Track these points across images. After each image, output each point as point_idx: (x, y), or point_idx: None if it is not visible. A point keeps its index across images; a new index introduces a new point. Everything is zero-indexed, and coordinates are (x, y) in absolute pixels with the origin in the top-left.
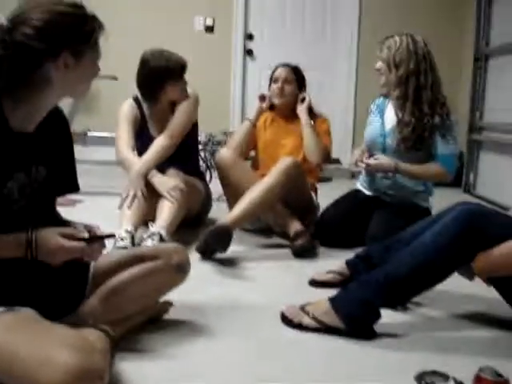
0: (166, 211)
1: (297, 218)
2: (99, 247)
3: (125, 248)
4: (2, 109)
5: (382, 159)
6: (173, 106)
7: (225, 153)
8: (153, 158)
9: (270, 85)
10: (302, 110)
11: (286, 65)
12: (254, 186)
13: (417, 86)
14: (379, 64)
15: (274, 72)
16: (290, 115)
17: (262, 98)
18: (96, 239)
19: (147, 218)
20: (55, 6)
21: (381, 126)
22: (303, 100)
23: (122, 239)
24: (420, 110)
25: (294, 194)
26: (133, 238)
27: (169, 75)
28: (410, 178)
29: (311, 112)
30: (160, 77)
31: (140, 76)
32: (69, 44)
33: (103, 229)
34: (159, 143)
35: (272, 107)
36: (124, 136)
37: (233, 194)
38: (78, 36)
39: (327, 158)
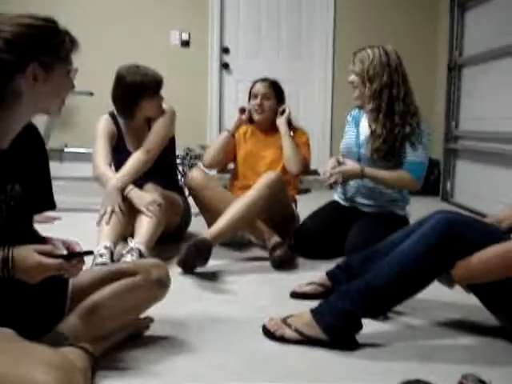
0: (144, 226)
1: (275, 231)
2: (78, 264)
3: (104, 264)
4: None
5: (349, 164)
6: (149, 121)
7: (195, 174)
8: (129, 172)
9: (249, 99)
10: (281, 121)
11: (264, 79)
12: (236, 200)
13: (389, 98)
14: (352, 77)
15: (252, 87)
16: (270, 128)
17: (242, 110)
18: (74, 256)
19: (125, 233)
20: (25, 19)
21: (356, 137)
22: (283, 112)
23: (100, 255)
24: (391, 122)
25: (275, 208)
26: (112, 254)
27: (144, 91)
28: (377, 183)
29: (290, 125)
30: (135, 93)
31: (115, 92)
32: (36, 55)
33: (82, 245)
34: (136, 158)
35: (251, 120)
36: (101, 151)
37: (207, 212)
38: (46, 48)
39: (306, 168)
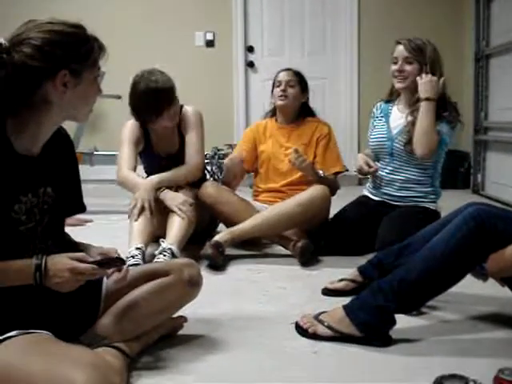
0: (176, 227)
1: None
2: (117, 272)
3: (136, 265)
4: (5, 132)
5: None
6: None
7: (208, 188)
8: (169, 178)
9: (272, 90)
10: (304, 169)
11: (288, 69)
12: (272, 208)
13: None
14: (410, 66)
15: (276, 76)
16: (294, 120)
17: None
18: (107, 263)
19: (156, 234)
20: (54, 26)
21: (387, 130)
22: (298, 156)
23: (132, 257)
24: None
25: (311, 222)
26: (143, 254)
27: (156, 110)
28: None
29: (313, 115)
30: (150, 112)
31: (133, 105)
32: (67, 63)
33: (114, 247)
34: (184, 169)
35: (274, 114)
36: (124, 157)
37: (225, 221)
38: (76, 55)
39: (337, 186)
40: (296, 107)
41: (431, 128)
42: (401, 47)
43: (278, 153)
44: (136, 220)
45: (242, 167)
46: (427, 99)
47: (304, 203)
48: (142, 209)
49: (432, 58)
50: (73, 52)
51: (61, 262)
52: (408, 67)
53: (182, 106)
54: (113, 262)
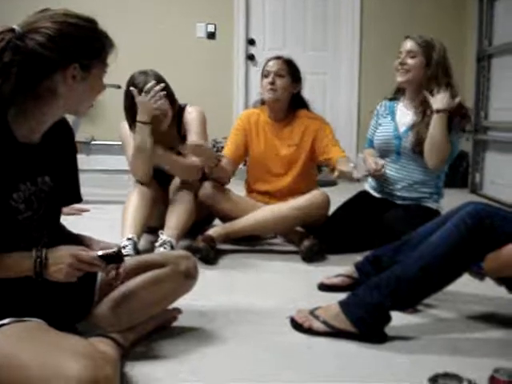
0: (175, 218)
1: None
2: (116, 270)
3: (127, 256)
4: (6, 120)
5: None
6: (179, 122)
7: (207, 188)
8: (170, 158)
9: (261, 80)
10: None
11: (278, 57)
12: (270, 209)
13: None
14: (414, 60)
15: (265, 65)
16: (284, 116)
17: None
18: (108, 258)
19: (154, 225)
20: (68, 18)
21: (394, 129)
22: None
23: (123, 247)
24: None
25: (309, 224)
26: (135, 245)
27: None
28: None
29: (307, 108)
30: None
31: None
32: (79, 57)
33: (109, 237)
34: (184, 161)
35: (264, 102)
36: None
37: (224, 220)
38: (88, 50)
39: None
40: (286, 100)
41: (443, 140)
42: (408, 41)
43: (269, 153)
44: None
45: (231, 168)
46: (438, 111)
47: (302, 208)
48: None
49: (439, 54)
50: (85, 46)
51: (62, 250)
52: (410, 61)
53: (184, 106)
54: (113, 257)
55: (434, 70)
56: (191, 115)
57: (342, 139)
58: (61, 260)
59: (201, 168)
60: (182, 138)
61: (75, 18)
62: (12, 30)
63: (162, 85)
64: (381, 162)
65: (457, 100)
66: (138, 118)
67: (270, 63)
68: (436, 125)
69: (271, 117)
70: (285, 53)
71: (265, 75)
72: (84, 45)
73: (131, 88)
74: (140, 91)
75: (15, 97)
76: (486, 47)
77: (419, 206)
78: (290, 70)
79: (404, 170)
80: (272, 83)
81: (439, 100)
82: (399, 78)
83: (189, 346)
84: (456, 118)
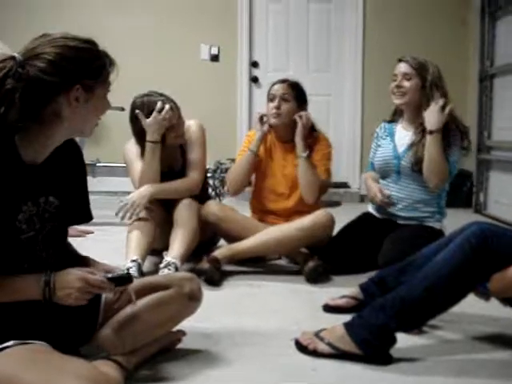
0: (180, 240)
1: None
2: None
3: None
4: (15, 144)
5: None
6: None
7: (212, 206)
8: (166, 187)
9: (267, 104)
10: (297, 134)
11: (283, 80)
12: (275, 230)
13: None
14: (409, 83)
15: (270, 89)
16: (290, 139)
17: (262, 118)
18: (116, 280)
19: (159, 247)
20: (68, 41)
21: (393, 149)
22: (300, 117)
23: (128, 269)
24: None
25: (313, 244)
26: (139, 267)
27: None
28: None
29: (312, 130)
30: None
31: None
32: (81, 78)
33: (114, 258)
34: (184, 181)
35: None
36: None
37: (229, 240)
38: (89, 71)
39: (324, 191)
40: (291, 124)
41: (441, 160)
42: (402, 64)
43: (276, 172)
44: (122, 219)
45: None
46: (431, 132)
47: (306, 229)
48: (134, 210)
49: (434, 75)
50: (86, 68)
51: (70, 273)
52: (406, 83)
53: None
54: (122, 279)
55: (430, 91)
56: (191, 129)
57: (346, 160)
58: (70, 284)
59: (200, 182)
60: (181, 147)
61: (74, 40)
62: (13, 58)
63: (172, 105)
64: (386, 192)
65: (447, 110)
66: (148, 138)
67: (276, 87)
68: (430, 146)
69: (277, 138)
70: (288, 74)
71: (270, 99)
72: (85, 66)
73: (137, 111)
74: (150, 112)
75: (21, 124)
76: (488, 67)
77: (422, 226)
78: (296, 94)
79: (405, 190)
80: (277, 107)
81: (429, 119)
82: (396, 101)
83: (193, 368)
84: (453, 131)
